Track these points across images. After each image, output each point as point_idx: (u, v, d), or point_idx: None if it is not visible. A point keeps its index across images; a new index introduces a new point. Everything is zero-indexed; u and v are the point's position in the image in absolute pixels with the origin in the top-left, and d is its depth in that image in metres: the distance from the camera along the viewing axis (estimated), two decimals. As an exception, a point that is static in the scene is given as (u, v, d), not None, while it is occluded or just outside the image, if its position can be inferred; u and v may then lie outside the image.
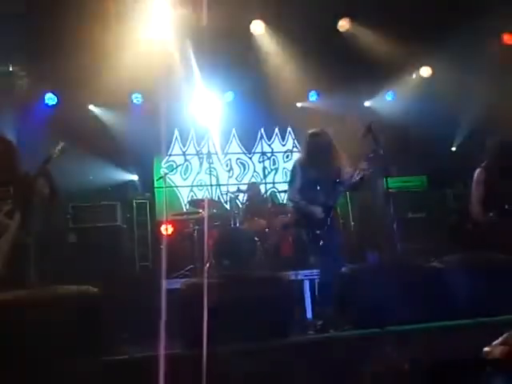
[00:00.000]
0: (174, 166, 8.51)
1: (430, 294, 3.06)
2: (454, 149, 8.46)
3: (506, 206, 4.81)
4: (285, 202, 7.45)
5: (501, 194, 4.94)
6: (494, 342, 0.78)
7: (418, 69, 8.66)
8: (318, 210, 4.61)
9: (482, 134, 6.94)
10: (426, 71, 8.63)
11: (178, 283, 3.92)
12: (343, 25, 7.69)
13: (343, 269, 3.34)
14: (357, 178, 4.51)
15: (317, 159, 4.68)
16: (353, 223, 7.89)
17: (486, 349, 0.79)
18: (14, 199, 3.91)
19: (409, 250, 6.02)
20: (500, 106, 7.19)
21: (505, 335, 0.78)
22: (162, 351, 1.80)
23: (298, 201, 4.75)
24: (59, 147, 4.11)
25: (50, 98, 7.92)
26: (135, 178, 8.35)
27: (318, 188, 4.66)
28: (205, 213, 6.71)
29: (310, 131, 4.81)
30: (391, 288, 3.05)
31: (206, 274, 4.59)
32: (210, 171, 7.25)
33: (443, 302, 3.04)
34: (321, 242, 4.49)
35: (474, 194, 5.22)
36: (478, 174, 5.25)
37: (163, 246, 6.85)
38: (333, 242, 4.57)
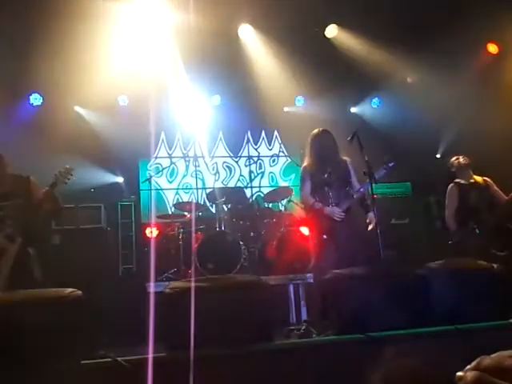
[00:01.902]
0: (160, 169, 8.49)
1: (413, 300, 3.09)
2: (438, 156, 8.54)
3: (475, 226, 4.97)
4: (270, 206, 7.46)
5: (473, 208, 5.07)
6: (468, 367, 0.78)
7: (404, 76, 8.75)
8: (335, 210, 4.48)
9: (467, 142, 7.05)
10: (412, 79, 8.71)
11: (161, 286, 3.92)
12: (331, 31, 7.75)
13: (327, 275, 3.34)
14: (371, 184, 4.41)
15: (324, 159, 4.61)
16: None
17: (459, 373, 0.79)
18: (15, 219, 3.84)
19: (392, 256, 6.06)
20: (485, 115, 7.28)
21: (477, 359, 0.78)
22: (150, 354, 1.80)
23: (313, 203, 4.60)
24: (65, 172, 4.01)
25: (36, 99, 7.84)
26: (120, 180, 8.30)
27: (328, 189, 4.55)
28: (191, 216, 6.69)
29: (313, 132, 4.74)
30: (374, 294, 3.07)
31: (193, 278, 4.58)
32: (196, 174, 7.25)
33: (426, 308, 3.08)
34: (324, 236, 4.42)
35: (447, 208, 5.35)
36: (450, 189, 5.40)
37: (148, 249, 6.82)
38: (344, 244, 4.44)
